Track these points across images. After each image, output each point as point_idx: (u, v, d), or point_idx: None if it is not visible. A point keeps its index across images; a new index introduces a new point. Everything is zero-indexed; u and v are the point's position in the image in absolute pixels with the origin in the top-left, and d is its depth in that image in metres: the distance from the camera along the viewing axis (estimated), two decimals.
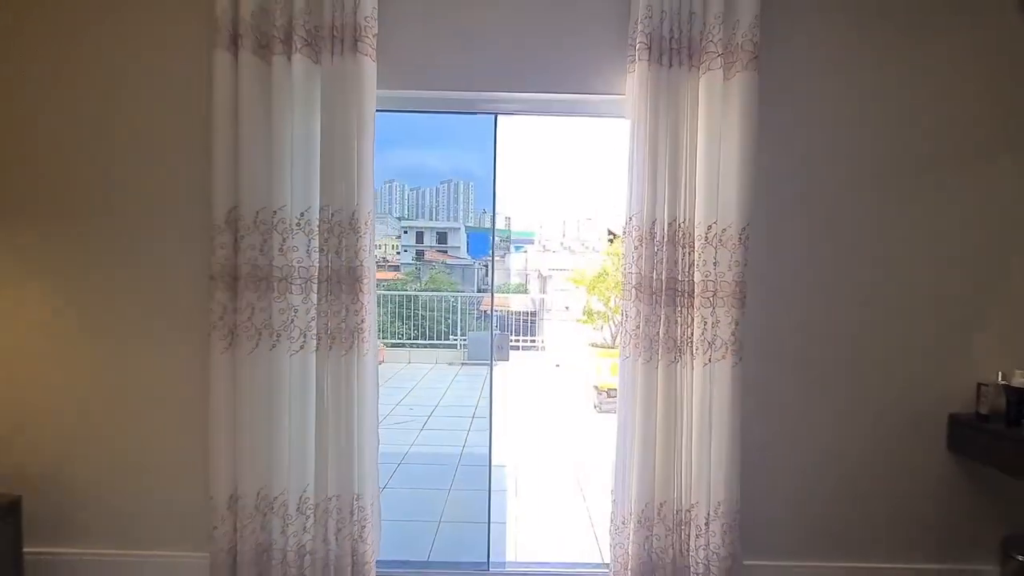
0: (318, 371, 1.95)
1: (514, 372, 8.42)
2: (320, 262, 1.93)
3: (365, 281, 1.94)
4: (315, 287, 1.93)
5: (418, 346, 9.89)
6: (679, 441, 2.00)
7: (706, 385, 1.95)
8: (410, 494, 3.61)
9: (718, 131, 1.93)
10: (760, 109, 1.91)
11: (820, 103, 2.10)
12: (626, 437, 2.02)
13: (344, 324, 1.93)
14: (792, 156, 2.10)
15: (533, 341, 9.80)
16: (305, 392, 1.95)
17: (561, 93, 2.11)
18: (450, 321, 9.70)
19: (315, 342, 1.94)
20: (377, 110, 1.97)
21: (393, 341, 9.53)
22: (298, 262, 1.92)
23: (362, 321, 1.94)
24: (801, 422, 2.16)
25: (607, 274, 5.79)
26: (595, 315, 6.12)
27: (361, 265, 1.93)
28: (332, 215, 1.92)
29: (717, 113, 1.92)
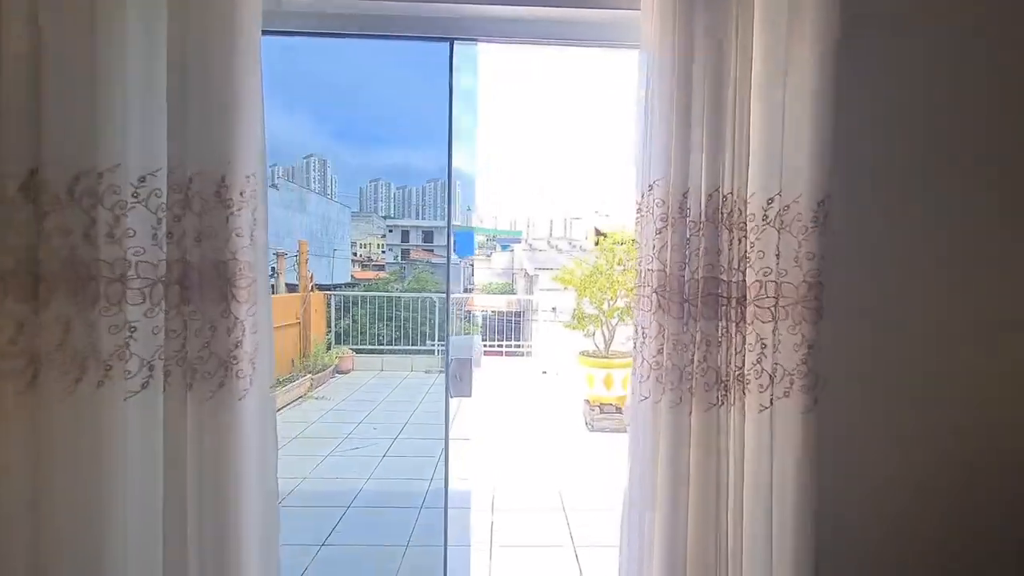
0: (169, 423, 1.26)
1: (493, 381, 7.76)
2: (171, 254, 1.25)
3: (241, 283, 1.25)
4: (164, 293, 1.24)
5: (392, 352, 9.18)
6: (722, 524, 1.35)
7: (763, 438, 1.30)
8: (356, 557, 2.90)
9: (783, 60, 1.28)
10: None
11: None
12: (642, 519, 1.36)
13: (210, 350, 1.25)
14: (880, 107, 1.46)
15: (519, 346, 9.14)
16: (149, 458, 1.26)
17: (548, 6, 1.44)
18: (431, 323, 9.00)
19: (163, 378, 1.25)
20: (266, 31, 1.29)
21: (362, 347, 8.80)
22: (136, 254, 1.22)
23: (237, 345, 1.25)
24: (891, 486, 1.52)
25: (600, 273, 5.14)
26: (586, 319, 5.48)
27: (235, 259, 1.24)
28: (190, 180, 1.24)
29: (782, 34, 1.27)
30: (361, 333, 8.67)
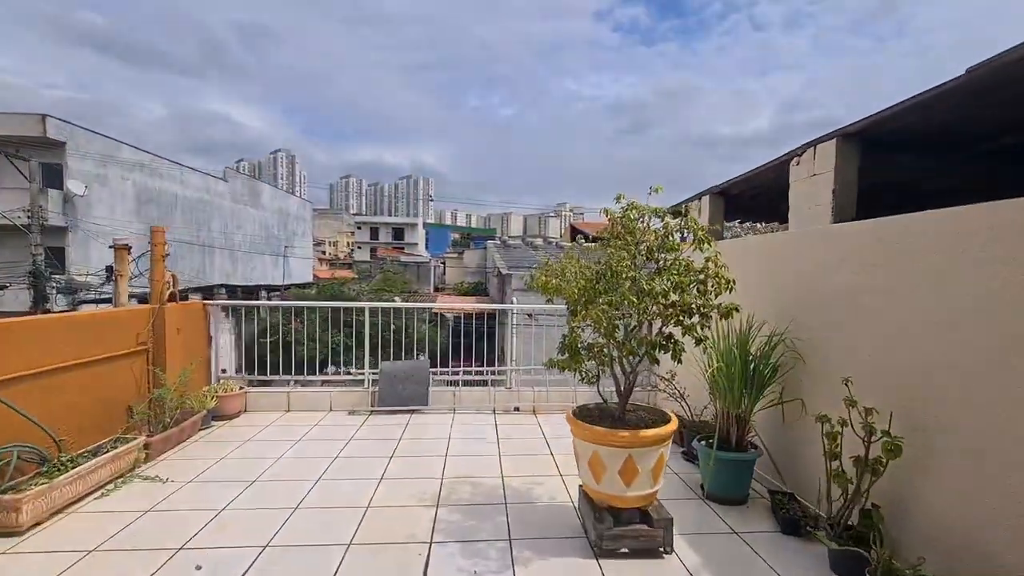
0: None
1: (438, 429, 5.37)
2: None
3: None
4: None
5: (308, 383, 6.72)
6: None
7: None
8: None
9: None
10: None
11: None
12: None
13: None
14: None
15: (488, 373, 6.75)
16: None
17: None
18: (379, 340, 6.58)
19: None
20: None
21: (270, 378, 6.31)
22: None
23: None
24: None
25: (615, 276, 2.77)
26: (585, 355, 3.15)
27: None
28: None
29: None
30: (264, 359, 6.19)
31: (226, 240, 30.89)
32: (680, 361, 2.87)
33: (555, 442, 5.12)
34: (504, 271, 22.55)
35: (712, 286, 2.78)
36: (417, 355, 7.01)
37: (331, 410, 6.10)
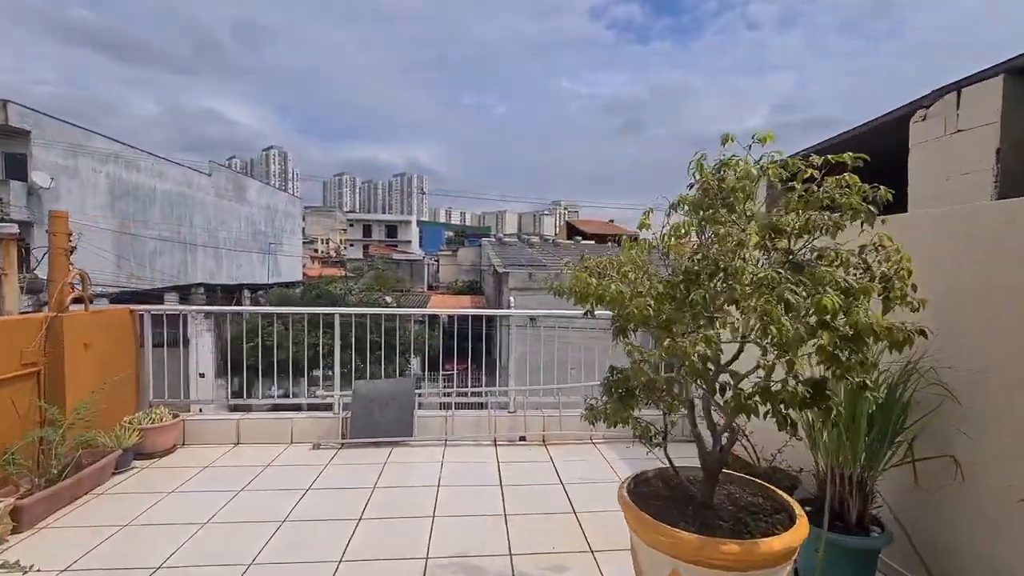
0: None
1: (425, 471, 4.15)
2: None
3: None
4: None
5: (262, 408, 5.54)
6: None
7: None
8: None
9: None
10: None
11: None
12: None
13: None
14: None
15: (491, 393, 5.56)
16: None
17: None
18: (354, 353, 5.38)
19: None
20: None
21: (216, 402, 5.10)
22: None
23: None
24: None
25: (735, 276, 1.59)
26: (643, 398, 1.97)
27: None
28: None
29: None
30: (204, 376, 4.98)
31: (210, 237, 29.48)
32: (834, 426, 1.70)
33: (576, 490, 3.94)
34: (500, 269, 21.31)
35: (891, 292, 1.60)
36: (402, 370, 5.81)
37: (292, 442, 4.89)
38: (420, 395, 5.28)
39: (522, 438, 5.07)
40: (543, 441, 5.07)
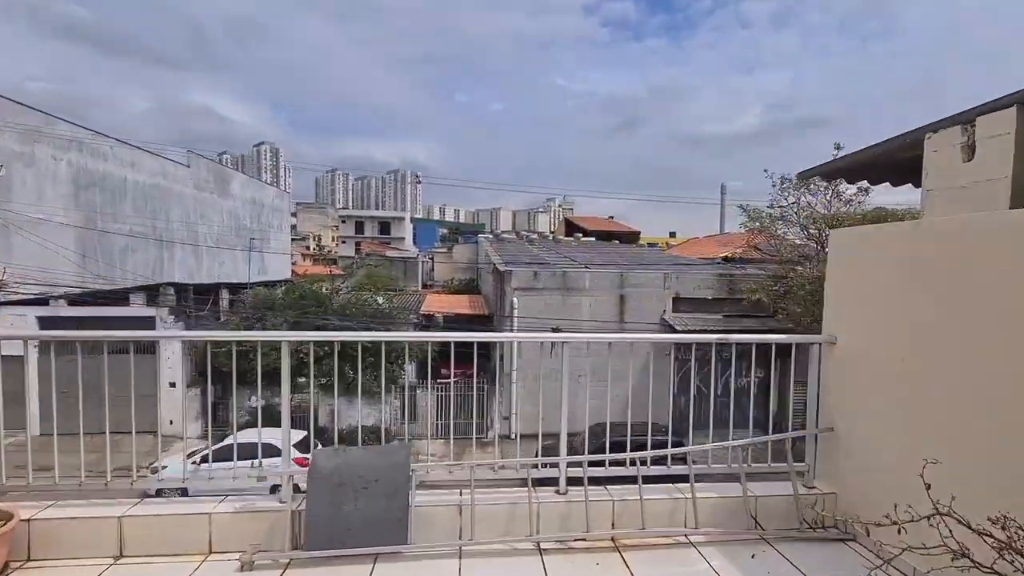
0: None
1: None
2: None
3: None
4: None
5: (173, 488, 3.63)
6: None
7: None
8: None
9: None
10: None
11: None
12: None
13: None
14: None
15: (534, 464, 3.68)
16: None
17: None
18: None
19: None
20: None
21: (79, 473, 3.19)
22: None
23: None
24: None
25: None
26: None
27: None
28: None
29: None
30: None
31: (188, 233, 27.35)
32: None
33: None
34: (502, 267, 19.40)
35: None
36: (389, 434, 3.92)
37: (211, 553, 2.99)
38: (418, 459, 3.37)
39: (582, 540, 3.19)
40: (613, 543, 3.19)
